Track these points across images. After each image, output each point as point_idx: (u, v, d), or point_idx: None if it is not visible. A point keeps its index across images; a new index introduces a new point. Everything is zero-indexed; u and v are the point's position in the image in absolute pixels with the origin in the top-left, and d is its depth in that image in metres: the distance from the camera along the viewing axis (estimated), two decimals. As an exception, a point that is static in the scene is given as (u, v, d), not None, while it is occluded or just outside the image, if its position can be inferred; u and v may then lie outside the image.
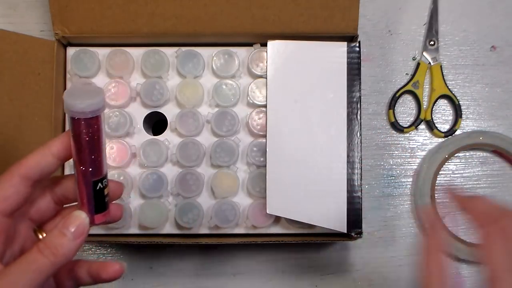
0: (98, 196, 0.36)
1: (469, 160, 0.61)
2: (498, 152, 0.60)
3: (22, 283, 0.31)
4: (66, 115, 0.34)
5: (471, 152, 0.61)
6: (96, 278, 0.38)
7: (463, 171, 0.61)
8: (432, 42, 0.61)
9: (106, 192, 0.36)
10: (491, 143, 0.59)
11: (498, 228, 0.34)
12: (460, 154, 0.60)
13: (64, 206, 0.39)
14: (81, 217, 0.34)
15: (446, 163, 0.60)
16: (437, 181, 0.59)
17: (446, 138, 0.60)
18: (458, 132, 0.60)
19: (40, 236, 0.37)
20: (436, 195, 0.59)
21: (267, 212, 0.51)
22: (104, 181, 0.36)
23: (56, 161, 0.35)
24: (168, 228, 0.54)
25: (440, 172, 0.60)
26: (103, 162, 0.35)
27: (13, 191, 0.34)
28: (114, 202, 0.38)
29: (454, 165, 0.61)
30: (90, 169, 0.35)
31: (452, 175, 0.60)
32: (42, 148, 0.35)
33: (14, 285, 0.31)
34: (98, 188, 0.35)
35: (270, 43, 0.53)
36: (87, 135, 0.34)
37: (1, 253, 0.34)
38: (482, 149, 0.61)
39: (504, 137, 0.60)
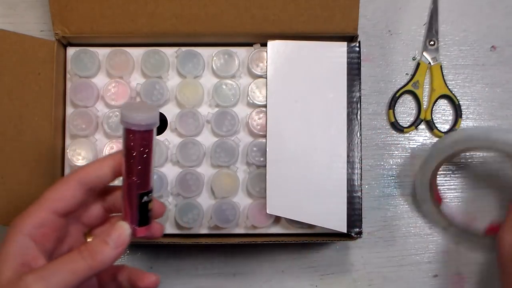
0: (142, 209, 0.37)
1: (469, 160, 0.61)
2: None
3: (56, 279, 0.33)
4: (122, 127, 0.36)
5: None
6: (134, 286, 0.40)
7: (463, 172, 0.61)
8: (432, 42, 0.61)
9: (150, 206, 0.38)
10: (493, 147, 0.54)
11: None
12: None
13: (112, 214, 0.42)
14: (124, 227, 0.36)
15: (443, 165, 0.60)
16: (437, 182, 0.59)
17: (441, 139, 0.59)
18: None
19: (89, 240, 0.39)
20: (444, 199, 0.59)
21: (267, 212, 0.51)
22: (149, 195, 0.37)
23: (111, 174, 0.38)
24: (168, 228, 0.54)
25: (440, 172, 0.60)
26: (151, 176, 0.37)
27: (69, 194, 0.36)
28: (156, 220, 0.40)
29: (454, 164, 0.61)
30: (138, 181, 0.36)
31: (452, 175, 0.60)
32: (101, 160, 0.38)
33: (47, 281, 0.33)
34: (143, 201, 0.37)
35: (270, 43, 0.53)
36: (139, 148, 0.35)
37: (50, 250, 0.36)
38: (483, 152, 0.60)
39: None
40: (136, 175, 0.36)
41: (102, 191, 0.40)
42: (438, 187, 0.59)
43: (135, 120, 0.35)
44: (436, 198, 0.58)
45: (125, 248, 0.36)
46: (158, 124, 0.36)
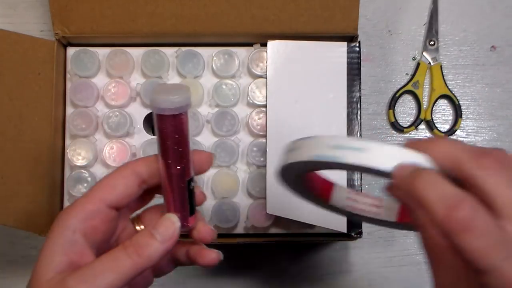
0: (191, 196, 0.35)
1: None
2: None
3: (98, 281, 0.30)
4: (154, 115, 0.33)
5: None
6: (193, 262, 0.37)
7: None
8: (432, 42, 0.61)
9: (195, 193, 0.35)
10: None
11: (492, 158, 0.26)
12: None
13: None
14: (172, 219, 0.34)
15: None
16: None
17: None
18: (458, 132, 0.60)
19: (138, 228, 0.36)
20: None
21: (267, 212, 0.51)
22: (193, 181, 0.35)
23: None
24: (168, 228, 0.54)
25: None
26: (191, 160, 0.34)
27: (122, 182, 0.34)
28: (206, 224, 0.37)
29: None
30: (184, 168, 0.34)
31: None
32: (153, 156, 0.35)
33: (90, 284, 0.30)
34: (191, 187, 0.34)
35: (270, 43, 0.53)
36: (178, 132, 0.33)
37: (99, 244, 0.34)
38: None
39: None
40: (179, 162, 0.33)
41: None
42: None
43: (169, 104, 0.31)
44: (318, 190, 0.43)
45: (174, 243, 0.33)
46: (191, 105, 0.33)
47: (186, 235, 0.37)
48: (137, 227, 0.37)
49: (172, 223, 0.33)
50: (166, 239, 0.33)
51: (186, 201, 0.34)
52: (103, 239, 0.34)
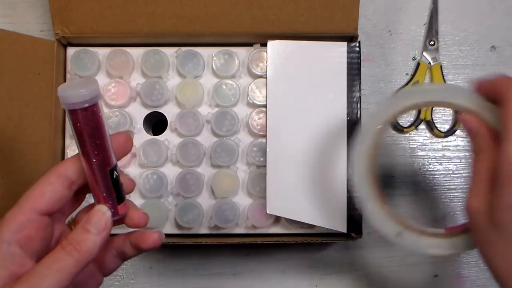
0: (116, 185, 0.35)
1: (452, 175, 0.61)
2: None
3: (46, 284, 0.31)
4: (66, 110, 0.34)
5: (450, 166, 0.60)
6: (138, 249, 0.38)
7: (445, 186, 0.60)
8: (432, 42, 0.61)
9: (121, 181, 0.36)
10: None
11: None
12: (460, 154, 0.60)
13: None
14: (102, 210, 0.34)
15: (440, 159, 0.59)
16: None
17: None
18: (458, 132, 0.60)
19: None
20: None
21: (267, 212, 0.51)
22: (117, 169, 0.35)
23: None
24: (168, 228, 0.54)
25: (440, 172, 0.60)
26: (111, 150, 0.35)
27: (49, 188, 0.34)
28: (139, 210, 0.38)
29: (454, 165, 0.61)
30: (103, 159, 0.34)
31: (452, 175, 0.60)
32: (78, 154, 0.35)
33: (38, 287, 0.31)
34: (114, 176, 0.35)
35: (270, 43, 0.53)
36: (91, 124, 0.33)
37: (38, 252, 0.34)
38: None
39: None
40: (97, 154, 0.34)
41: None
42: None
43: (77, 98, 0.32)
44: (380, 194, 0.44)
45: (109, 232, 0.34)
46: (101, 96, 0.34)
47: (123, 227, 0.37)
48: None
49: (102, 213, 0.34)
50: (101, 230, 0.33)
51: (112, 190, 0.35)
52: (41, 247, 0.34)
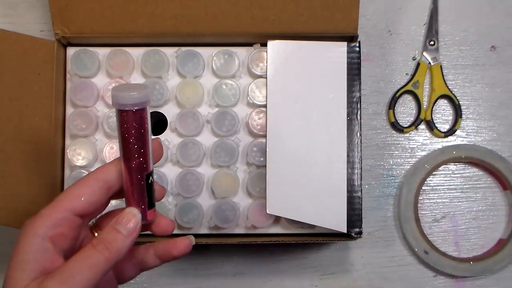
0: (149, 190, 0.36)
1: (452, 175, 0.61)
2: (475, 163, 0.60)
3: (77, 279, 0.32)
4: (116, 111, 0.35)
5: (451, 166, 0.61)
6: (166, 257, 0.39)
7: (446, 185, 0.61)
8: (432, 42, 0.61)
9: (154, 188, 0.37)
10: (466, 156, 0.59)
11: None
12: (441, 169, 0.60)
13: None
14: (133, 213, 0.35)
15: (425, 181, 0.60)
16: (419, 200, 0.59)
17: (420, 158, 0.60)
18: (458, 132, 0.60)
19: (96, 234, 0.38)
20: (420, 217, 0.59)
21: (267, 212, 0.51)
22: (153, 175, 0.36)
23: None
24: (168, 228, 0.54)
25: (440, 172, 0.60)
26: (151, 155, 0.36)
27: (87, 191, 0.35)
28: (166, 217, 0.39)
29: (454, 165, 0.61)
30: (144, 162, 0.35)
31: (452, 175, 0.60)
32: (117, 159, 0.36)
33: (69, 284, 0.31)
34: (150, 182, 0.36)
35: (270, 43, 0.53)
36: (137, 127, 0.34)
37: (67, 251, 0.35)
38: (460, 162, 0.60)
39: (477, 148, 0.59)
40: (138, 156, 0.35)
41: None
42: (419, 205, 0.59)
43: (130, 100, 0.34)
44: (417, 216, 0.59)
45: (138, 234, 0.35)
46: (150, 102, 0.35)
47: (145, 235, 0.38)
48: (96, 234, 0.38)
49: (133, 215, 0.35)
50: (130, 232, 0.34)
51: (145, 195, 0.36)
52: (70, 246, 0.35)
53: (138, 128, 0.34)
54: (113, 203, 0.38)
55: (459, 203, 0.60)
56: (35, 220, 0.33)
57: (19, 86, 0.50)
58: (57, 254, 0.33)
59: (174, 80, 0.55)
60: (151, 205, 0.36)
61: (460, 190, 0.60)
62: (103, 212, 0.39)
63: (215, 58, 0.54)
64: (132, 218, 0.35)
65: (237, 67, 0.54)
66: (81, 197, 0.34)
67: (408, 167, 0.60)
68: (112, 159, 0.38)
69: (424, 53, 0.61)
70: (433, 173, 0.60)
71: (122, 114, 0.34)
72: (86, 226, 0.38)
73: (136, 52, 0.54)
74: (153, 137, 0.39)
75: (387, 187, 0.60)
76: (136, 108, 0.34)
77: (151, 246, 0.39)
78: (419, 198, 0.59)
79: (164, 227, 0.38)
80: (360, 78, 0.52)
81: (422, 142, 0.61)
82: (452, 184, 0.60)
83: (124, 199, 0.37)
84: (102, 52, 0.54)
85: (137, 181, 0.35)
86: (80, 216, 0.35)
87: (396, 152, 0.61)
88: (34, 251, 0.33)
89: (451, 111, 0.61)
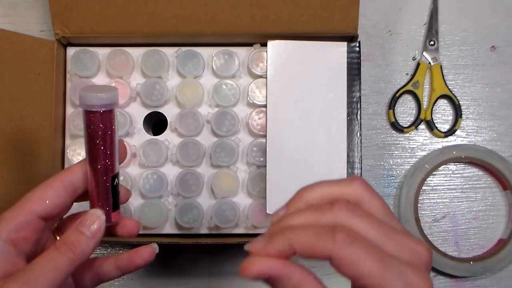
0: (114, 192, 0.36)
1: (452, 175, 0.61)
2: (475, 163, 0.60)
3: (41, 281, 0.32)
4: (83, 111, 0.35)
5: (451, 166, 0.61)
6: (129, 267, 0.38)
7: (446, 185, 0.61)
8: (432, 42, 0.61)
9: (119, 190, 0.37)
10: (466, 156, 0.59)
11: (341, 235, 0.27)
12: (441, 169, 0.60)
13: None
14: (97, 214, 0.35)
15: (425, 182, 0.60)
16: (419, 200, 0.59)
17: (420, 158, 0.60)
18: (458, 132, 0.60)
19: (58, 238, 0.37)
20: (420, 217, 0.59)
21: (267, 212, 0.51)
22: (118, 177, 0.36)
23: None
24: (168, 228, 0.54)
25: (421, 190, 0.60)
26: (117, 157, 0.36)
27: (51, 194, 0.35)
28: (132, 218, 0.39)
29: (454, 165, 0.61)
30: (109, 163, 0.35)
31: (452, 175, 0.60)
32: (84, 160, 0.36)
33: (32, 284, 0.31)
34: (115, 183, 0.36)
35: (270, 43, 0.53)
36: (104, 129, 0.34)
37: (29, 254, 0.34)
38: (460, 162, 0.60)
39: (477, 148, 0.59)
40: (104, 157, 0.35)
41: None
42: (419, 205, 0.59)
43: (96, 101, 0.34)
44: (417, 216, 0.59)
45: (102, 236, 0.35)
46: (118, 104, 0.35)
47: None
48: (57, 237, 0.38)
49: (97, 217, 0.35)
50: (94, 233, 0.34)
51: (110, 196, 0.36)
52: (32, 249, 0.35)
53: (105, 129, 0.34)
54: (76, 205, 0.38)
55: (459, 203, 0.60)
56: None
57: (19, 86, 0.50)
58: (19, 257, 0.33)
59: (174, 80, 0.55)
60: (115, 207, 0.36)
61: (460, 190, 0.60)
62: (66, 215, 0.38)
63: (215, 58, 0.54)
64: (96, 219, 0.35)
65: (237, 67, 0.54)
66: (45, 200, 0.34)
67: (408, 167, 0.60)
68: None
69: (424, 53, 0.61)
70: (433, 173, 0.60)
71: (89, 115, 0.34)
72: (49, 229, 0.38)
73: (136, 52, 0.54)
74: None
75: (387, 187, 0.60)
76: (103, 109, 0.34)
77: (112, 257, 0.39)
78: (419, 198, 0.59)
79: (129, 228, 0.38)
80: (360, 78, 0.52)
81: (422, 142, 0.61)
82: (452, 184, 0.60)
83: (88, 201, 0.37)
84: (102, 52, 0.54)
85: (102, 182, 0.35)
86: (44, 219, 0.35)
87: (396, 152, 0.61)
88: None
89: (451, 111, 0.61)
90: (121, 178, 0.53)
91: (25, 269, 0.32)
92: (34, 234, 0.34)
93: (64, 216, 0.39)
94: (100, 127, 0.34)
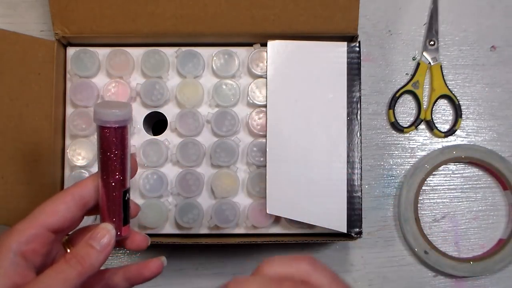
0: (125, 206, 0.37)
1: (452, 175, 0.61)
2: (475, 163, 0.60)
3: None
4: (97, 127, 0.35)
5: (451, 166, 0.61)
6: (137, 279, 0.39)
7: (446, 185, 0.61)
8: (432, 42, 0.61)
9: (129, 205, 0.37)
10: (466, 156, 0.59)
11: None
12: (441, 169, 0.60)
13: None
14: (108, 228, 0.35)
15: (425, 182, 0.60)
16: (419, 200, 0.59)
17: (420, 158, 0.60)
18: (458, 132, 0.60)
19: (68, 250, 0.38)
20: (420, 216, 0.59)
21: (267, 212, 0.51)
22: (129, 192, 0.37)
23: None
24: (168, 228, 0.54)
25: (421, 190, 0.60)
26: (129, 172, 0.37)
27: (63, 208, 0.35)
28: (140, 233, 0.39)
29: (454, 165, 0.61)
30: (121, 179, 0.36)
31: (452, 175, 0.60)
32: (95, 174, 0.37)
33: None
34: (126, 198, 0.36)
35: (270, 43, 0.53)
36: (118, 144, 0.35)
37: (39, 266, 0.35)
38: (460, 162, 0.60)
39: (477, 148, 0.59)
40: (117, 172, 0.35)
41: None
42: (419, 205, 0.59)
43: (111, 117, 0.34)
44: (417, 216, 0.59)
45: (111, 250, 0.35)
46: (132, 120, 0.36)
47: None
48: (68, 250, 0.38)
49: (107, 231, 0.35)
50: (104, 247, 0.35)
51: (121, 211, 0.36)
52: (42, 262, 0.35)
53: (119, 145, 0.35)
54: (86, 219, 0.38)
55: (459, 203, 0.60)
56: (9, 235, 0.34)
57: (19, 86, 0.50)
58: (29, 269, 0.34)
59: (174, 80, 0.55)
60: (126, 221, 0.37)
61: (460, 190, 0.60)
62: (77, 228, 0.39)
63: (215, 58, 0.54)
64: (106, 233, 0.35)
65: (237, 67, 0.54)
66: (56, 213, 0.35)
67: (408, 167, 0.60)
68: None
69: (424, 53, 0.61)
70: (433, 173, 0.60)
71: (104, 131, 0.35)
72: (59, 242, 0.38)
73: (136, 52, 0.54)
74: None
75: (387, 187, 0.60)
76: (117, 125, 0.35)
77: (121, 269, 0.39)
78: (419, 198, 0.59)
79: (139, 243, 0.39)
80: (360, 78, 0.52)
81: (422, 142, 0.61)
82: (452, 184, 0.60)
83: (98, 215, 0.37)
84: (102, 52, 0.54)
85: (113, 197, 0.36)
86: (54, 232, 0.35)
87: (396, 152, 0.61)
88: (5, 266, 0.33)
89: (451, 111, 0.61)
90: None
91: (34, 281, 0.33)
92: (44, 247, 0.35)
93: (76, 229, 0.39)
94: (114, 143, 0.35)
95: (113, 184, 0.36)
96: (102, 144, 0.35)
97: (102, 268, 0.36)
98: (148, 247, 0.39)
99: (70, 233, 0.39)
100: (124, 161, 0.36)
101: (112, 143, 0.35)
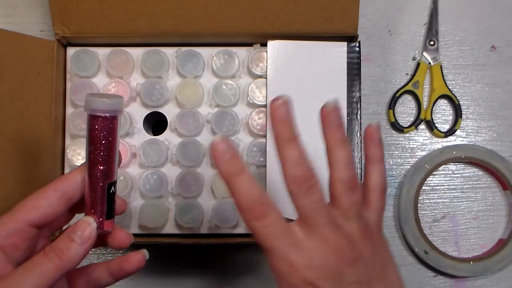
0: (110, 200, 0.36)
1: (452, 175, 0.61)
2: (475, 163, 0.60)
3: (23, 286, 0.31)
4: (87, 116, 0.35)
5: (451, 166, 0.61)
6: (120, 274, 0.38)
7: (446, 185, 0.61)
8: (432, 42, 0.61)
9: (115, 199, 0.36)
10: (466, 156, 0.59)
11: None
12: (441, 169, 0.60)
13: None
14: (88, 221, 0.35)
15: (425, 182, 0.60)
16: (419, 200, 0.59)
17: (420, 158, 0.60)
18: (458, 132, 0.60)
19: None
20: (420, 216, 0.59)
21: (267, 212, 0.51)
22: (115, 186, 0.36)
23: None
24: (168, 228, 0.54)
25: (421, 190, 0.60)
26: (116, 166, 0.36)
27: (44, 202, 0.35)
28: (123, 230, 0.38)
29: (454, 165, 0.61)
30: (105, 170, 0.35)
31: (452, 175, 0.60)
32: (79, 167, 0.36)
33: None
34: (111, 191, 0.36)
35: (270, 43, 0.53)
36: (106, 134, 0.35)
37: (19, 260, 0.34)
38: (460, 162, 0.60)
39: (477, 148, 0.59)
40: (103, 163, 0.35)
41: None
42: (419, 205, 0.59)
43: (101, 105, 0.34)
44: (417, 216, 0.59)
45: (92, 243, 0.34)
46: (122, 112, 0.36)
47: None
48: None
49: (88, 224, 0.35)
50: (84, 241, 0.34)
51: (104, 204, 0.35)
52: (23, 256, 0.35)
53: (107, 135, 0.35)
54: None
55: (459, 203, 0.60)
56: None
57: (19, 86, 0.50)
58: (8, 263, 0.33)
59: (174, 80, 0.55)
60: (110, 215, 0.36)
61: (460, 190, 0.60)
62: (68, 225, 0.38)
63: (215, 58, 0.54)
64: (87, 226, 0.34)
65: (237, 67, 0.54)
66: (38, 208, 0.34)
67: (408, 167, 0.60)
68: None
69: (424, 53, 0.61)
70: (433, 173, 0.60)
71: (93, 119, 0.34)
72: (46, 237, 0.37)
73: (136, 52, 0.54)
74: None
75: (387, 187, 0.60)
76: (107, 114, 0.34)
77: (104, 263, 0.39)
78: (419, 198, 0.59)
79: (120, 240, 0.38)
80: (360, 78, 0.52)
81: (422, 142, 0.61)
82: (452, 184, 0.60)
83: None
84: (102, 52, 0.54)
85: (98, 188, 0.35)
86: (36, 227, 0.35)
87: (396, 152, 0.61)
88: None
89: (451, 111, 0.61)
90: (121, 178, 0.53)
91: (10, 275, 0.32)
92: (25, 242, 0.34)
93: (65, 226, 0.38)
94: (102, 132, 0.34)
95: (98, 174, 0.35)
96: (91, 133, 0.35)
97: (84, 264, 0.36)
98: (130, 245, 0.38)
99: (62, 229, 0.38)
100: (111, 153, 0.35)
101: (100, 132, 0.34)
